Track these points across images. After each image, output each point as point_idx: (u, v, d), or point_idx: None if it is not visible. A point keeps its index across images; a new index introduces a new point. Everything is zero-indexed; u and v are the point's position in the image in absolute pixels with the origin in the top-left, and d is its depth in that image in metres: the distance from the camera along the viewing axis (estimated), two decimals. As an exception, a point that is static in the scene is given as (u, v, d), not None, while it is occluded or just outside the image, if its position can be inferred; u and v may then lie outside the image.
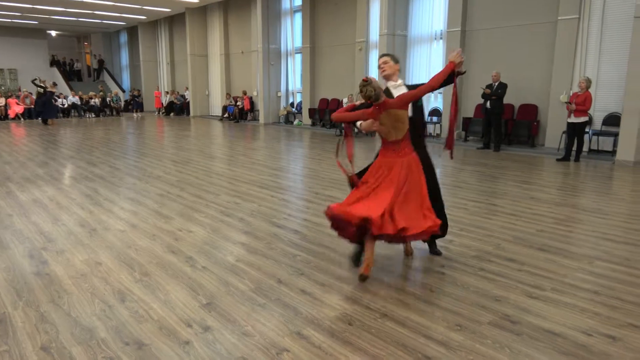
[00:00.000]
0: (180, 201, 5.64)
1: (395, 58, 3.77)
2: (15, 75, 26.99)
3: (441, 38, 12.06)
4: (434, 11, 12.09)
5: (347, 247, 3.98)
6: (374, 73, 13.56)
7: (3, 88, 25.37)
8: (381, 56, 3.76)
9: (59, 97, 20.87)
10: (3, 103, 19.66)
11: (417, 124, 3.62)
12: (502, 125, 10.23)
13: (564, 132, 9.32)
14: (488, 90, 9.81)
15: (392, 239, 3.22)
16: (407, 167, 3.29)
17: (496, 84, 9.82)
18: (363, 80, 3.24)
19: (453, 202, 5.57)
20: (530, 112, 10.37)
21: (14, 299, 3.04)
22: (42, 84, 17.90)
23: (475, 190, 6.19)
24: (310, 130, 15.11)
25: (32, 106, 19.53)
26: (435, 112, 12.45)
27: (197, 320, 2.75)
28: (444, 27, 11.81)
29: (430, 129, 12.48)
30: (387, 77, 3.75)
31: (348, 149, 3.43)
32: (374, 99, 3.27)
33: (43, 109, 17.45)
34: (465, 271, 3.46)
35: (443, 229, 3.59)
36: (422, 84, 3.47)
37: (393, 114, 3.31)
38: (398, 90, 3.64)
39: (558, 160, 8.72)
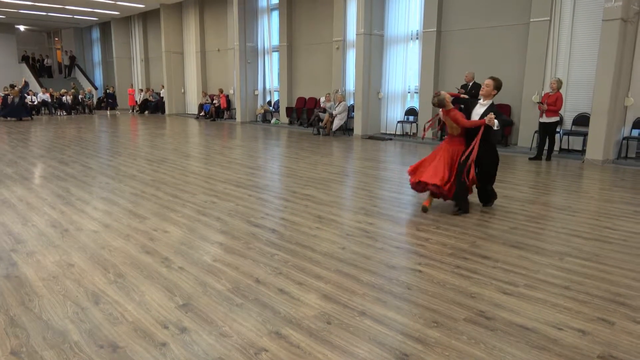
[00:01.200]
0: (155, 201, 5.55)
1: (497, 85, 4.94)
2: (-19, 71, 26.06)
3: (417, 38, 12.20)
4: (410, 11, 12.21)
5: (325, 246, 4.00)
6: (350, 72, 13.64)
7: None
8: (490, 77, 5.03)
9: (28, 95, 20.22)
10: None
11: (475, 132, 4.92)
12: (477, 124, 10.41)
13: (536, 132, 9.56)
14: (462, 90, 9.95)
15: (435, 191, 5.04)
16: (452, 153, 5.03)
17: (470, 84, 9.98)
18: (435, 93, 5.05)
19: (429, 200, 5.65)
20: (504, 112, 10.57)
21: (-18, 302, 2.94)
22: (11, 86, 18.01)
23: (451, 189, 6.29)
24: (287, 129, 15.08)
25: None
26: (411, 111, 12.58)
27: (173, 321, 2.71)
28: (420, 28, 11.95)
29: (407, 128, 12.62)
30: (481, 95, 4.99)
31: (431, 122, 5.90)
32: (437, 105, 4.99)
33: (13, 108, 17.59)
34: (442, 269, 3.52)
35: (486, 200, 5.33)
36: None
37: (449, 122, 5.04)
38: (481, 107, 4.98)
39: (530, 159, 8.93)
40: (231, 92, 18.47)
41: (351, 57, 13.55)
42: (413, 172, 5.16)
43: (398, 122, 12.70)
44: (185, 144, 11.20)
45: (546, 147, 8.87)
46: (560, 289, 3.18)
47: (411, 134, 12.50)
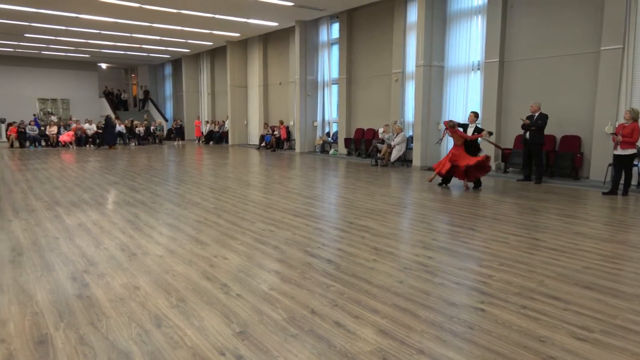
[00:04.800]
0: (216, 228, 5.73)
1: (477, 114, 9.21)
2: (68, 104, 28.66)
3: (479, 69, 12.01)
4: (472, 42, 12.08)
5: (382, 279, 3.92)
6: (409, 103, 13.61)
7: (56, 117, 26.91)
8: (472, 111, 9.25)
9: (118, 125, 21.91)
10: (55, 131, 20.73)
11: (468, 144, 8.76)
12: (544, 156, 9.95)
13: (610, 165, 8.97)
14: (527, 121, 9.61)
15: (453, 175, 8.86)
16: (459, 153, 8.57)
17: (536, 114, 9.62)
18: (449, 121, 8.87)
19: (492, 235, 5.41)
20: (573, 143, 10.06)
21: (56, 320, 3.13)
22: (111, 119, 20.85)
23: (516, 224, 6.00)
24: (345, 159, 15.17)
25: (84, 135, 20.75)
26: (472, 142, 12.27)
27: (230, 348, 2.74)
28: (482, 58, 11.76)
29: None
30: (470, 122, 9.05)
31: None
32: (451, 126, 8.63)
33: (107, 136, 20.23)
34: (507, 308, 3.32)
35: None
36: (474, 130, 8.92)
37: (456, 136, 8.64)
38: (471, 128, 8.90)
39: (604, 193, 8.35)
40: (291, 123, 18.97)
41: (410, 88, 13.54)
42: (436, 167, 8.93)
43: (458, 153, 12.40)
44: (246, 174, 11.55)
45: (622, 181, 8.28)
46: (642, 337, 2.90)
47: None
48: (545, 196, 8.14)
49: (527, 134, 9.70)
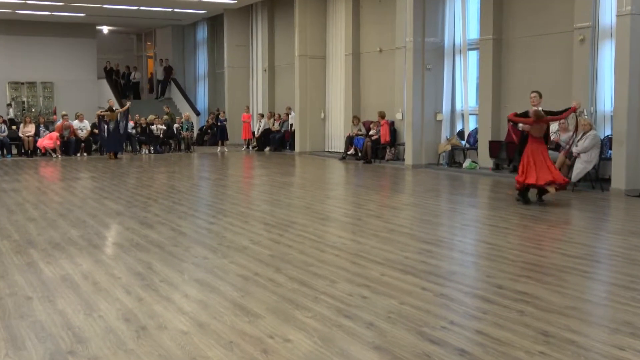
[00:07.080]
0: (273, 289, 5.84)
1: (540, 94, 11.21)
2: (51, 91, 30.69)
3: None
4: None
5: (555, 386, 3.77)
6: (605, 78, 13.12)
7: (34, 110, 28.99)
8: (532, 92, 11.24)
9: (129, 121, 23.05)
10: (32, 132, 22.21)
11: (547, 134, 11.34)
12: None
13: None
14: None
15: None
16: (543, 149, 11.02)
17: None
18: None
19: None
20: None
21: None
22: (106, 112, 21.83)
23: None
24: (490, 177, 14.88)
25: (72, 137, 22.09)
26: None
27: None
28: None
29: None
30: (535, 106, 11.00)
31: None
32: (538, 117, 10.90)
33: (109, 140, 21.46)
34: None
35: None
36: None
37: (539, 126, 11.06)
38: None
39: None
40: (398, 117, 18.97)
41: (607, 53, 13.12)
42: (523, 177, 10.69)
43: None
44: (322, 201, 11.70)
45: None
46: None
47: None
48: None
49: None
